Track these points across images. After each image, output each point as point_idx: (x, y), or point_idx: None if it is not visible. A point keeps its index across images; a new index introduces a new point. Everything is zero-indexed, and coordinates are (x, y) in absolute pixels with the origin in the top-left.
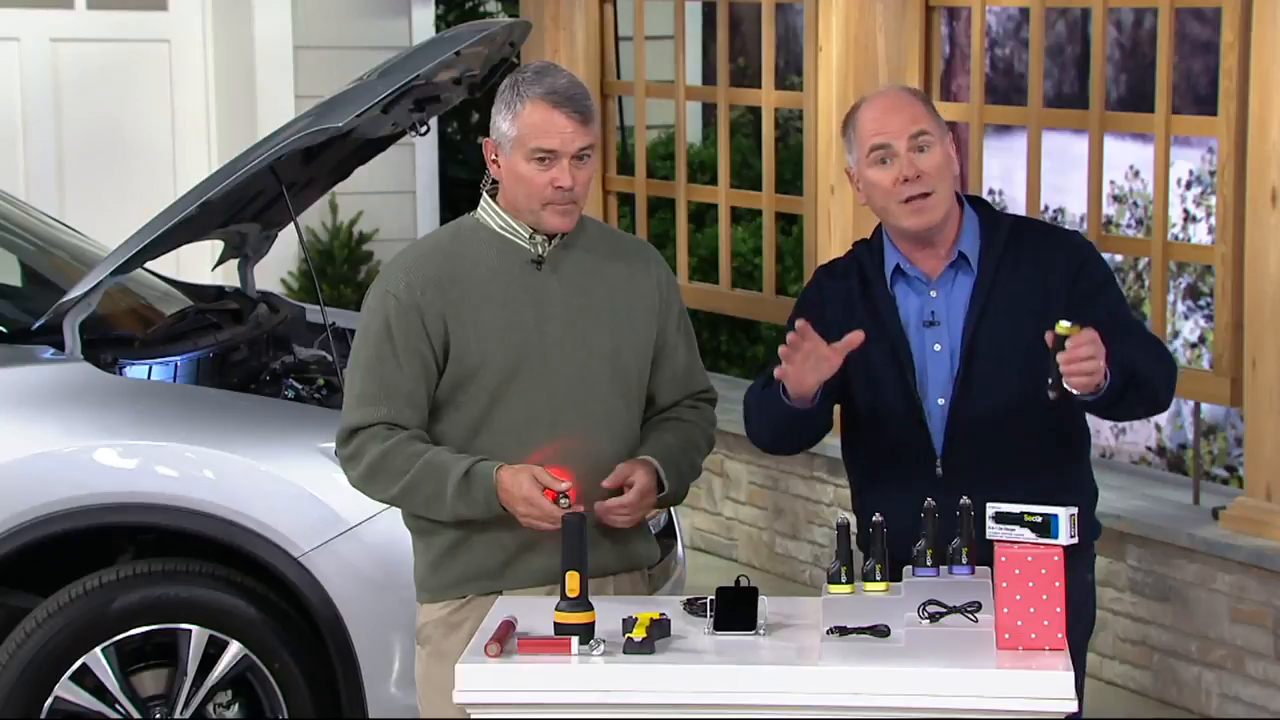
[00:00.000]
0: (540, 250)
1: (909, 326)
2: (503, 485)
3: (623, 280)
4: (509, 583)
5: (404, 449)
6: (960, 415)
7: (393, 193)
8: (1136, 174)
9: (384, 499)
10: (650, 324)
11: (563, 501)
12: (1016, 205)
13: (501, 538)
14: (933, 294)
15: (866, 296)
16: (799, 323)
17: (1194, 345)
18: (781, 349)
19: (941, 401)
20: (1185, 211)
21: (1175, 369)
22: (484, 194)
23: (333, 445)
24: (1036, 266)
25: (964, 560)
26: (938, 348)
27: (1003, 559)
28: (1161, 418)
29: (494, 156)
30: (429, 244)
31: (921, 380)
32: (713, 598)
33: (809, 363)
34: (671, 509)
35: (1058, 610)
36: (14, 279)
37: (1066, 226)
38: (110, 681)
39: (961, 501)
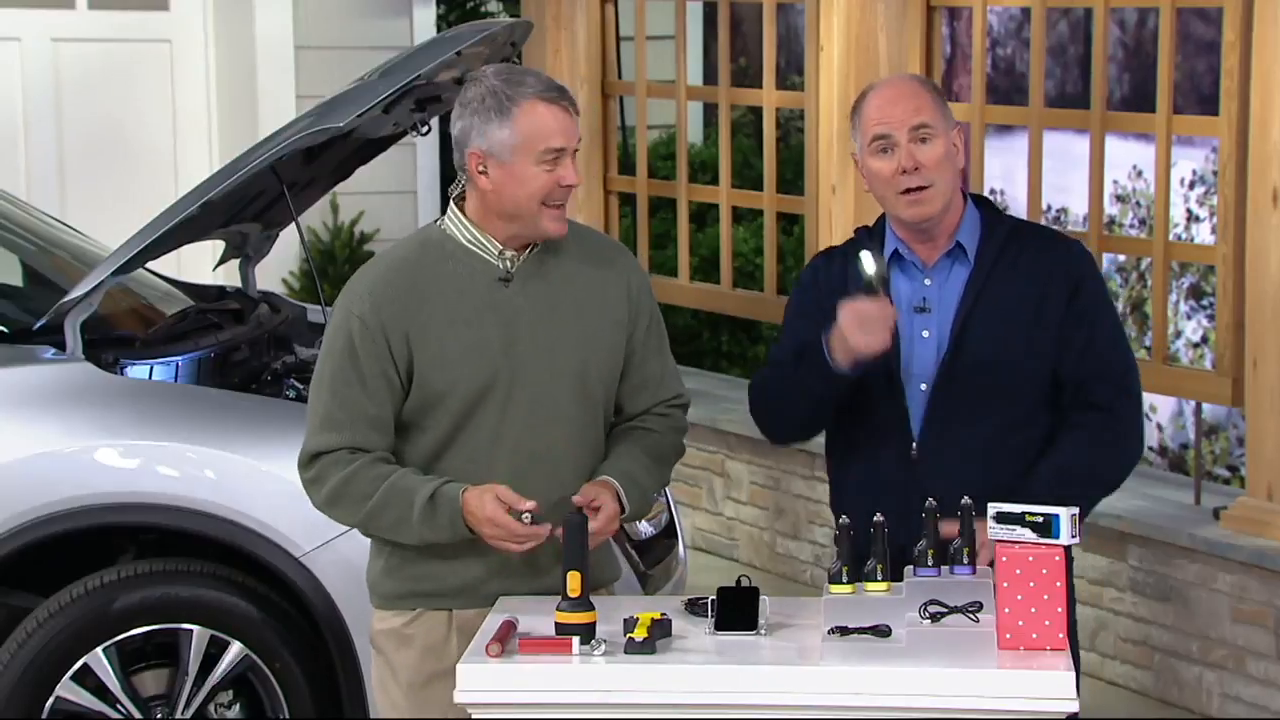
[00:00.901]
0: (508, 267)
1: (900, 311)
2: (468, 507)
3: (593, 290)
4: (460, 603)
5: (367, 473)
6: (940, 401)
7: (394, 193)
8: (1140, 174)
9: (349, 524)
10: (619, 336)
11: (524, 518)
12: (1018, 205)
13: (460, 555)
14: (926, 281)
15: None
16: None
17: (1196, 345)
18: (861, 321)
19: (924, 387)
20: (1189, 211)
21: (1129, 449)
22: (451, 203)
23: None
24: (1035, 274)
25: (965, 560)
26: (926, 334)
27: (1004, 559)
28: (1163, 416)
29: (482, 168)
30: (394, 259)
31: (907, 364)
32: (714, 598)
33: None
34: (673, 509)
35: (1059, 610)
36: (15, 279)
37: (1069, 229)
38: (111, 681)
39: (963, 501)
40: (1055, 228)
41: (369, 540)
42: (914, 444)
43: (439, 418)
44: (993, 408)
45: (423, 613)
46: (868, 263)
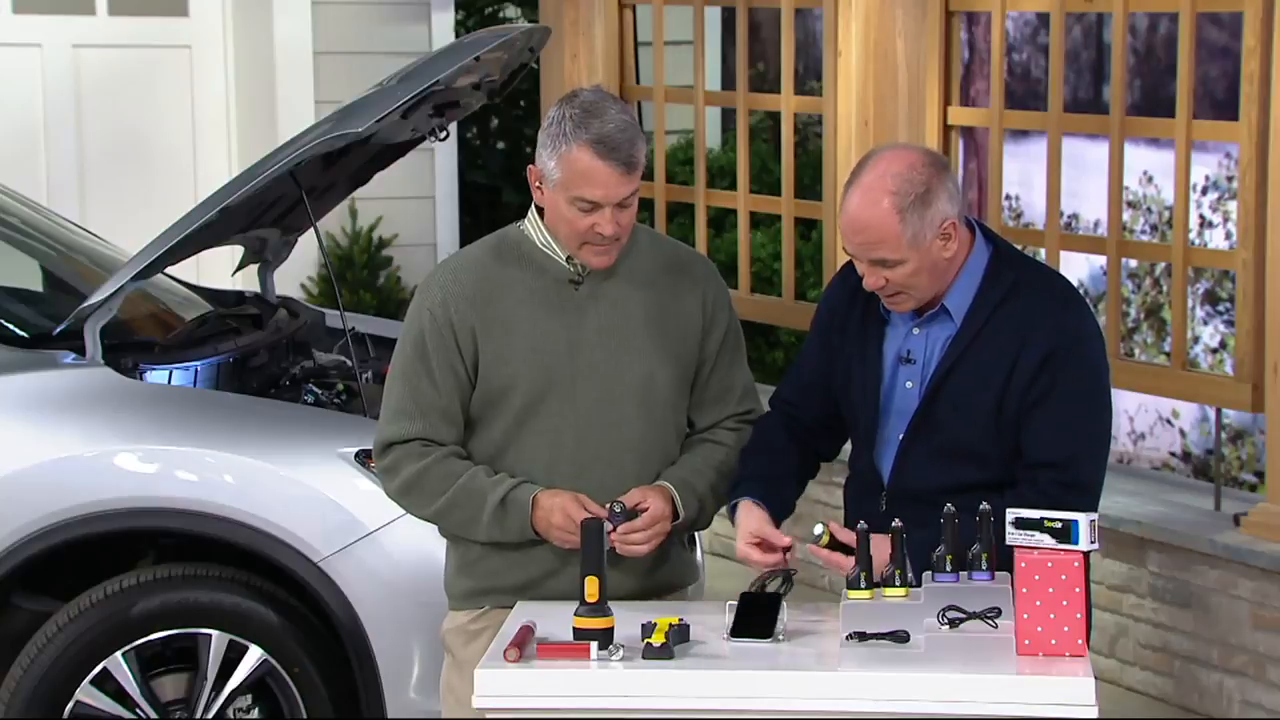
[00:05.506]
0: (579, 271)
1: (887, 360)
2: (539, 511)
3: (666, 300)
4: (523, 598)
5: (440, 469)
6: (910, 453)
7: (412, 198)
8: (1150, 179)
9: (420, 516)
10: (691, 347)
11: (614, 508)
12: (1035, 210)
13: (528, 554)
14: (915, 331)
15: (865, 321)
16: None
17: (1215, 350)
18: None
19: (900, 437)
20: (1202, 217)
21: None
22: (532, 206)
23: (352, 450)
24: (1018, 334)
25: (984, 566)
26: (909, 385)
27: (1023, 565)
28: (1187, 422)
29: (538, 184)
30: (470, 257)
31: (885, 413)
32: (733, 602)
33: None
34: None
35: (1078, 616)
36: (35, 284)
37: (1080, 234)
38: (131, 686)
39: (981, 508)
40: (1064, 281)
41: (389, 547)
42: (883, 494)
43: (502, 413)
44: (959, 467)
45: (490, 610)
46: (818, 531)
